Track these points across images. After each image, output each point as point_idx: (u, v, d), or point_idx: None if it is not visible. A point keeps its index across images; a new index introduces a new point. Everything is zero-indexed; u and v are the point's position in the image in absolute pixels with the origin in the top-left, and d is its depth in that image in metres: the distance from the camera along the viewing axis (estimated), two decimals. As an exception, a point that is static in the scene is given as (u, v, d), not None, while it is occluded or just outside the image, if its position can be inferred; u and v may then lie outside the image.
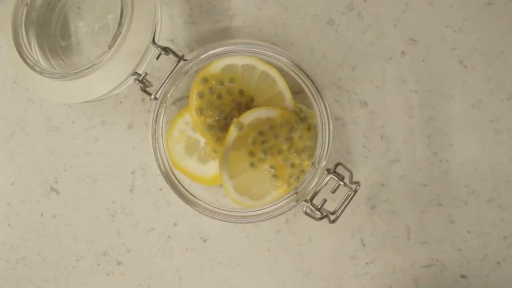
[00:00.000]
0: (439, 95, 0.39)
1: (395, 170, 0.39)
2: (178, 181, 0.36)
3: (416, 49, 0.39)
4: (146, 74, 0.35)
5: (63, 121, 0.40)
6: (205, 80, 0.36)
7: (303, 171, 0.36)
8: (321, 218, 0.35)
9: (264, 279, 0.40)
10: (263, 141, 0.36)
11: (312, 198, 0.35)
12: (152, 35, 0.34)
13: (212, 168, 0.37)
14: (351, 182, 0.35)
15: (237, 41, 0.35)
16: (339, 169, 0.35)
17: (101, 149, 0.40)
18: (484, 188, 0.39)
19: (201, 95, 0.36)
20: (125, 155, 0.40)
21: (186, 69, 0.35)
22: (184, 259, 0.40)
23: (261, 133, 0.36)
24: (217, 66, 0.36)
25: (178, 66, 0.35)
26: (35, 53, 0.36)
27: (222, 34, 0.39)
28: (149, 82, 0.36)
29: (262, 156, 0.36)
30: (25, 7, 0.36)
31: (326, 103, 0.35)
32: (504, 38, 0.39)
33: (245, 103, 0.37)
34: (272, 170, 0.36)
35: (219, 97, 0.36)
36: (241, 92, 0.37)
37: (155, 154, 0.36)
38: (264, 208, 0.36)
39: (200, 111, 0.36)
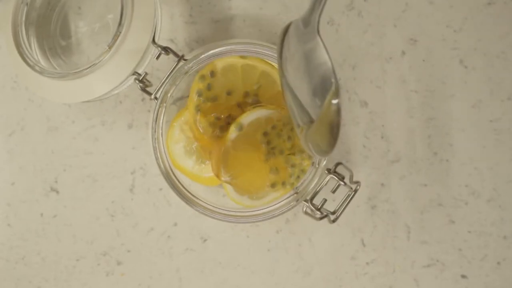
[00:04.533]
0: (440, 95, 0.39)
1: (395, 170, 0.39)
2: (178, 181, 0.36)
3: (417, 48, 0.39)
4: (146, 73, 0.35)
5: (63, 121, 0.40)
6: (203, 77, 0.36)
7: (303, 171, 0.36)
8: (321, 218, 0.35)
9: (264, 279, 0.40)
10: (268, 142, 0.36)
11: (312, 198, 0.35)
12: (152, 35, 0.34)
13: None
14: (351, 182, 0.35)
15: (237, 41, 0.35)
16: (339, 169, 0.35)
17: (101, 149, 0.40)
18: (484, 188, 0.39)
19: (199, 93, 0.36)
20: (125, 155, 0.40)
21: (186, 69, 0.35)
22: (184, 259, 0.40)
23: (265, 133, 0.36)
24: (217, 66, 0.36)
25: (178, 66, 0.35)
26: (35, 53, 0.36)
27: (222, 34, 0.39)
28: (149, 81, 0.36)
29: (266, 156, 0.36)
30: (25, 7, 0.35)
31: (327, 103, 0.35)
32: (504, 38, 0.39)
33: (245, 103, 0.37)
34: (273, 170, 0.36)
35: (219, 96, 0.36)
36: (241, 92, 0.37)
37: (155, 154, 0.36)
38: (264, 208, 0.36)
39: (198, 108, 0.36)
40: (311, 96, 0.27)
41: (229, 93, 0.36)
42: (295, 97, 0.28)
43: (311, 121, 0.27)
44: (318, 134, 0.26)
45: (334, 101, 0.24)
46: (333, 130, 0.25)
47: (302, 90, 0.28)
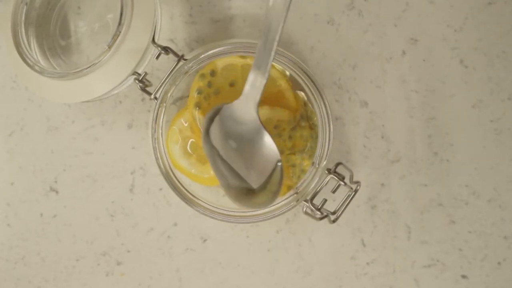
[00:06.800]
0: (440, 94, 0.39)
1: (396, 170, 0.39)
2: (178, 181, 0.36)
3: (417, 48, 0.39)
4: (146, 73, 0.35)
5: (63, 121, 0.40)
6: (203, 76, 0.36)
7: (303, 171, 0.36)
8: (321, 218, 0.35)
9: (264, 279, 0.40)
10: None
11: (312, 198, 0.35)
12: (152, 35, 0.34)
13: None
14: (352, 182, 0.35)
15: (237, 41, 0.35)
16: (340, 169, 0.35)
17: (101, 149, 0.40)
18: (485, 188, 0.39)
19: (199, 91, 0.36)
20: (125, 155, 0.40)
21: (186, 69, 0.35)
22: (184, 259, 0.40)
23: None
24: (217, 66, 0.36)
25: (178, 66, 0.35)
26: (35, 53, 0.36)
27: (222, 34, 0.39)
28: (149, 81, 0.35)
29: None
30: (25, 7, 0.35)
31: (327, 103, 0.35)
32: (504, 38, 0.39)
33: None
34: None
35: (222, 89, 0.36)
36: (241, 90, 0.37)
37: (155, 154, 0.36)
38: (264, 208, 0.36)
39: (198, 105, 0.36)
40: (245, 167, 0.34)
41: (232, 84, 0.36)
42: (229, 167, 0.34)
43: (248, 187, 0.34)
44: (266, 194, 0.34)
45: (279, 163, 0.33)
46: (278, 190, 0.33)
47: (237, 162, 0.34)
